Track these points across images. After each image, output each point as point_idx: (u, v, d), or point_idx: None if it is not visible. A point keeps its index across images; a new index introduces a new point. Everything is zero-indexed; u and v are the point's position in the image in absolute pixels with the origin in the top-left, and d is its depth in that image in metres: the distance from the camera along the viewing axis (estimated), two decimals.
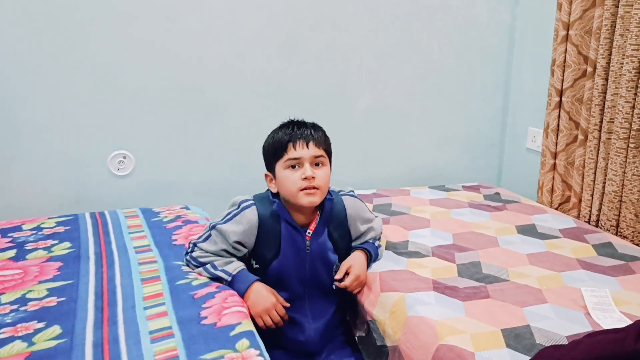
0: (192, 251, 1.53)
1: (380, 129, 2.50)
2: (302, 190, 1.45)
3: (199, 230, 1.78)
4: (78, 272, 1.50)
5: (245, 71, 2.23)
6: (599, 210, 2.01)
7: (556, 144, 2.20)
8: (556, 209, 2.24)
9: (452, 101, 2.58)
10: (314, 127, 1.52)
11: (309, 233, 1.53)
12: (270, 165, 1.54)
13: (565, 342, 1.22)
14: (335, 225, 1.57)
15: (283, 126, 1.52)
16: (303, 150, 1.46)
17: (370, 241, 1.66)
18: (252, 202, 1.54)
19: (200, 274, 1.49)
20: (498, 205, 2.19)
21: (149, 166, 2.19)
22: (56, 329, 1.21)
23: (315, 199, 1.47)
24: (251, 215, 1.50)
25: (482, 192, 2.39)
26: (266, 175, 1.56)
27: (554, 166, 2.23)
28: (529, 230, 1.92)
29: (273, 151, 1.49)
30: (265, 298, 1.45)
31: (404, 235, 1.87)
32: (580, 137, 2.08)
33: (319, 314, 1.57)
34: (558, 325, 1.29)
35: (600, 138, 1.98)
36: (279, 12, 2.22)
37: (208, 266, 1.48)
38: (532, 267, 1.63)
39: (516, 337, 1.24)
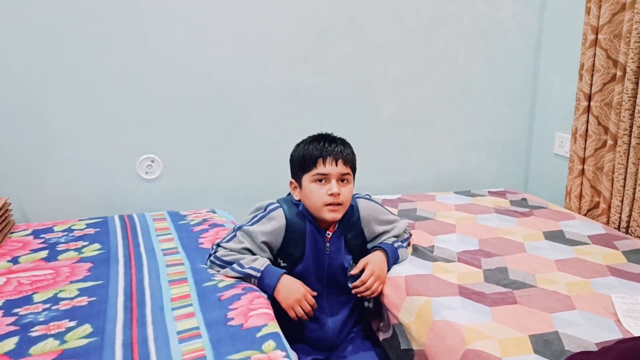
0: (215, 252, 1.56)
1: (406, 134, 2.50)
2: (326, 205, 1.51)
3: (225, 234, 1.80)
4: (108, 273, 1.53)
5: (271, 78, 2.26)
6: (629, 216, 1.98)
7: (584, 149, 2.17)
8: (585, 215, 2.20)
9: (478, 106, 2.57)
10: (344, 144, 1.58)
11: (329, 235, 1.58)
12: (296, 175, 1.58)
13: (595, 349, 1.20)
14: (349, 227, 1.62)
15: (314, 140, 1.57)
16: (332, 167, 1.51)
17: (389, 242, 1.66)
18: (278, 204, 1.59)
19: (226, 275, 1.51)
20: (525, 211, 2.17)
21: (176, 170, 2.23)
22: (87, 328, 1.24)
23: (338, 215, 1.54)
24: (279, 216, 1.56)
25: (509, 197, 2.36)
26: (291, 183, 1.62)
27: (583, 171, 2.20)
28: (556, 237, 1.89)
29: (302, 163, 1.54)
30: (295, 289, 1.50)
31: (430, 240, 1.86)
32: (610, 142, 2.05)
33: (336, 310, 1.63)
34: (587, 332, 1.27)
35: (630, 143, 1.95)
36: (304, 20, 2.24)
37: (235, 265, 1.50)
38: (561, 273, 1.61)
39: (545, 343, 1.23)
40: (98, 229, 1.87)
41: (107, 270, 1.55)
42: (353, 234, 1.64)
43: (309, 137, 1.60)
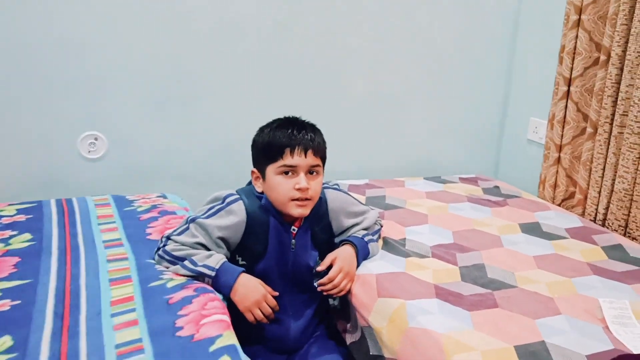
0: (165, 245, 1.38)
1: (375, 116, 2.35)
2: (293, 200, 1.35)
3: (176, 223, 1.62)
4: (38, 269, 1.33)
5: (233, 49, 2.06)
6: (606, 208, 1.89)
7: (562, 136, 2.07)
8: (559, 205, 2.11)
9: (450, 88, 2.44)
10: (314, 130, 1.40)
11: (294, 230, 1.43)
12: (259, 164, 1.41)
13: None
14: (316, 219, 1.46)
15: (281, 125, 1.38)
16: (300, 159, 1.34)
17: (359, 235, 1.52)
18: (239, 196, 1.42)
19: (176, 273, 1.34)
20: (498, 200, 2.06)
21: (123, 149, 2.02)
22: (7, 341, 1.05)
23: (306, 211, 1.38)
24: (239, 210, 1.39)
25: (481, 185, 2.25)
26: (253, 172, 1.44)
27: (559, 160, 2.10)
28: (533, 229, 1.79)
29: (267, 152, 1.36)
30: (254, 289, 1.34)
31: (401, 232, 1.72)
32: (589, 130, 1.95)
33: (300, 311, 1.48)
34: (576, 342, 1.16)
35: (611, 132, 1.85)
36: None
37: (186, 262, 1.33)
38: (540, 271, 1.51)
39: (532, 356, 1.11)
40: (30, 216, 1.65)
41: (37, 265, 1.35)
42: (320, 227, 1.49)
43: (275, 120, 1.41)
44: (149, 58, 1.96)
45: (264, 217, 1.40)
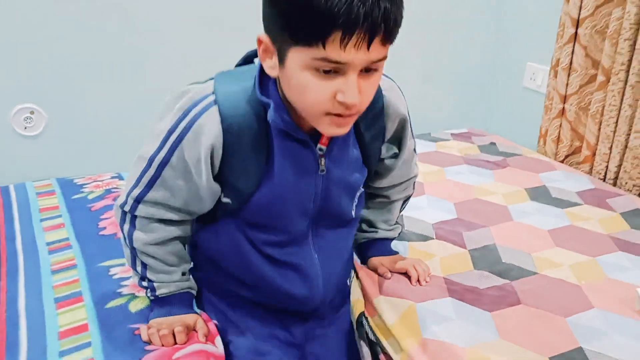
0: (133, 210, 0.93)
1: None
2: (329, 114, 0.79)
3: None
4: None
5: None
6: (619, 167, 1.71)
7: (567, 85, 1.85)
8: (562, 161, 1.92)
9: (434, 31, 2.16)
10: None
11: (321, 150, 0.91)
12: (276, 35, 0.78)
13: None
14: (368, 122, 0.94)
15: None
16: (358, 54, 0.73)
17: (389, 237, 1.25)
18: (212, 99, 0.85)
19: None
20: (498, 160, 1.86)
21: (65, 122, 1.72)
22: None
23: (345, 130, 0.84)
24: (208, 131, 0.84)
25: (475, 141, 2.04)
26: (259, 42, 0.81)
27: (563, 111, 1.89)
28: (542, 195, 1.60)
29: (295, 24, 0.73)
30: (173, 320, 0.97)
31: None
32: (601, 78, 1.73)
33: (332, 255, 1.05)
34: (619, 348, 0.99)
35: (627, 81, 1.64)
36: None
37: (138, 268, 0.98)
38: (560, 250, 1.33)
39: None
40: None
41: None
42: (374, 133, 0.98)
43: None
44: (86, 6, 1.63)
45: (261, 132, 0.87)
